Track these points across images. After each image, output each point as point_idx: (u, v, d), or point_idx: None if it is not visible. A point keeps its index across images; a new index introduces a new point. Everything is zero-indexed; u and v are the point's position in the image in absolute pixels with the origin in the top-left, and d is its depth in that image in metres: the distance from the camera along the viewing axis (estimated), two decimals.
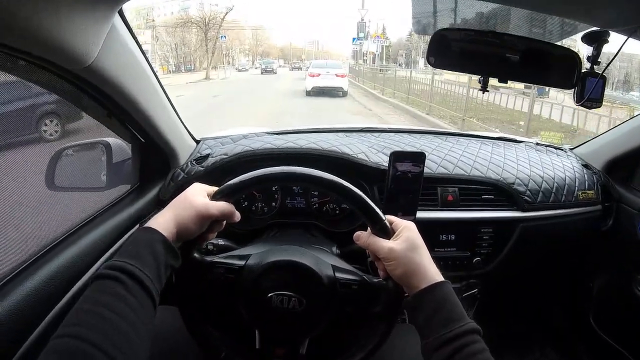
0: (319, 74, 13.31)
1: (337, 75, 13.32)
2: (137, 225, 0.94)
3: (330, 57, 50.85)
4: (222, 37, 31.26)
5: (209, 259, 0.66)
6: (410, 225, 0.63)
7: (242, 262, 0.66)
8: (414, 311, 0.58)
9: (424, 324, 0.56)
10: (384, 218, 0.63)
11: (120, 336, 0.45)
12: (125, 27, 0.76)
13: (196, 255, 0.64)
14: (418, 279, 0.58)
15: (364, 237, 0.64)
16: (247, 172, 0.63)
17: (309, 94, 13.23)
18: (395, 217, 0.65)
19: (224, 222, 0.65)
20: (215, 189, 0.63)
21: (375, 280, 0.66)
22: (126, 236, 0.90)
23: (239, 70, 33.21)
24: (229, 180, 0.63)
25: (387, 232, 0.62)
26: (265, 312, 0.64)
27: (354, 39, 27.41)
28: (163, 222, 0.57)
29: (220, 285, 0.65)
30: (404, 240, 0.60)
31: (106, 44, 0.67)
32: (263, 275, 0.64)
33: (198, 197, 0.60)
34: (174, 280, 0.63)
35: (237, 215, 0.64)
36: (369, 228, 0.64)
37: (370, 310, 0.66)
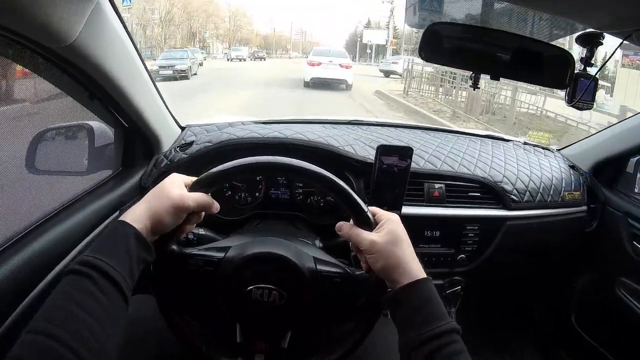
0: (319, 63, 11.51)
1: (341, 65, 11.54)
2: (117, 212, 0.92)
3: None
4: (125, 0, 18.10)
5: (187, 250, 0.64)
6: (394, 218, 0.62)
7: (221, 254, 0.65)
8: (394, 307, 0.57)
9: (404, 321, 0.55)
10: (366, 210, 0.61)
11: (88, 334, 0.45)
12: (110, 5, 0.74)
13: (174, 247, 0.62)
14: (399, 273, 0.57)
15: (346, 228, 0.62)
16: (230, 161, 0.61)
17: (307, 85, 11.75)
18: (379, 209, 0.64)
19: (202, 213, 0.63)
20: (194, 179, 0.61)
21: (358, 273, 0.65)
22: (106, 222, 0.88)
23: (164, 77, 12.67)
24: (211, 168, 0.61)
25: (369, 224, 0.61)
26: (245, 305, 0.62)
27: None
28: (137, 214, 0.56)
29: (198, 278, 0.64)
30: (387, 233, 0.59)
31: (89, 22, 0.65)
32: (243, 267, 0.62)
33: (174, 188, 0.58)
34: (152, 271, 0.61)
35: (216, 207, 0.62)
36: (351, 219, 0.62)
37: (352, 303, 0.65)
